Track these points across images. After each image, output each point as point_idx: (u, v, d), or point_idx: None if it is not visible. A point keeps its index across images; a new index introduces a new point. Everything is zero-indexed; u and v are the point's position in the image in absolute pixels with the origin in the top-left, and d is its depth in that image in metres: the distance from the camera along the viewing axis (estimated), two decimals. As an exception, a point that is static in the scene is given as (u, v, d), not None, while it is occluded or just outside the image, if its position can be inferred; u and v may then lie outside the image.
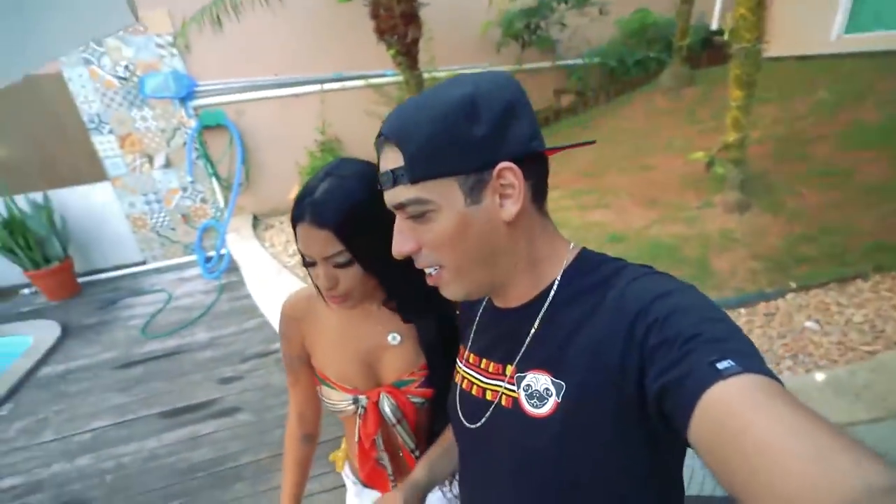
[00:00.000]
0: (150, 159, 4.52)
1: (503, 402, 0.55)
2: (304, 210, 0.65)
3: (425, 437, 0.83)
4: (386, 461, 0.82)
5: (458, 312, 0.73)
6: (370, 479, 0.86)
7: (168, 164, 4.58)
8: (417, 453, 0.81)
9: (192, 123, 4.49)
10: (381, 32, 3.96)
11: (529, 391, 0.52)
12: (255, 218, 4.86)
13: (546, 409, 0.50)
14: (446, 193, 0.48)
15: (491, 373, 0.58)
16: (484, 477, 0.61)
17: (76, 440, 2.40)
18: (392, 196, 0.51)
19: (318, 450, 0.98)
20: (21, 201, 4.09)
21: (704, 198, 3.08)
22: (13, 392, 2.87)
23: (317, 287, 0.73)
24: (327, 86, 4.76)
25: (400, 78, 4.31)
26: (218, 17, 3.92)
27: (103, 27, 0.83)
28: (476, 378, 0.61)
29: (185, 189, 4.71)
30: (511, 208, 0.49)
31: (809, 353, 1.96)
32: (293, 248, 3.96)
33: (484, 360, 0.60)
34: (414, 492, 0.72)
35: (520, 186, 0.48)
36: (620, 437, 0.47)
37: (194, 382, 2.76)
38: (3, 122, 4.15)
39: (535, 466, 0.52)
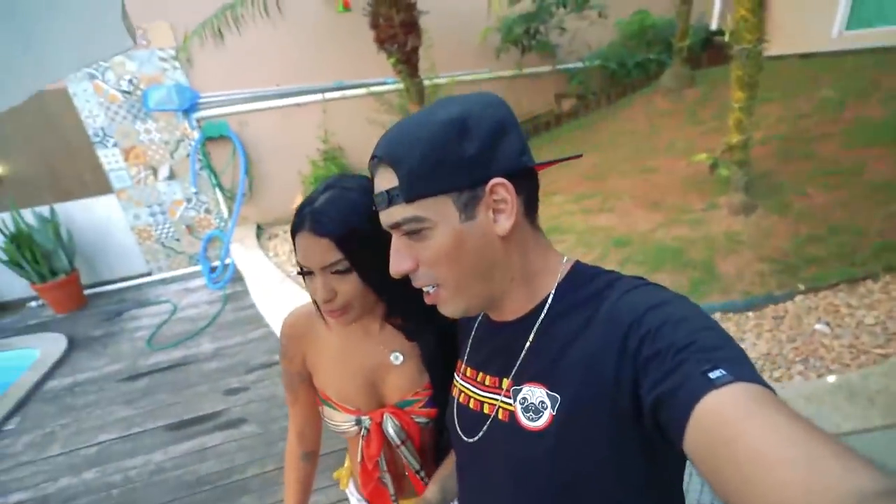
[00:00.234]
0: (155, 171, 4.56)
1: (500, 416, 0.56)
2: (304, 219, 0.65)
3: (431, 457, 0.82)
4: (388, 481, 0.80)
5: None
6: (373, 499, 0.85)
7: (172, 176, 4.61)
8: (423, 474, 0.80)
9: (196, 135, 4.53)
10: (381, 41, 3.98)
11: (525, 404, 0.53)
12: (259, 228, 4.88)
13: (542, 422, 0.51)
14: (441, 211, 0.49)
15: (487, 386, 0.59)
16: (482, 490, 0.61)
17: (83, 454, 2.40)
18: (388, 216, 0.52)
19: (322, 462, 0.97)
20: (28, 215, 4.13)
21: (709, 200, 3.05)
22: (21, 405, 2.88)
23: (315, 302, 0.71)
24: (329, 95, 4.78)
25: (401, 86, 4.32)
26: (219, 29, 3.97)
27: (102, 51, 0.84)
28: (473, 391, 0.61)
29: (189, 200, 4.74)
30: (505, 223, 0.50)
31: (820, 357, 1.92)
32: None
33: (480, 374, 0.61)
34: None
35: (512, 201, 0.50)
36: (616, 448, 0.47)
37: (200, 394, 2.76)
38: (10, 138, 4.20)
39: (532, 479, 0.52)
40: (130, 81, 4.23)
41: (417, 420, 0.77)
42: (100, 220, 4.61)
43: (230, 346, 3.26)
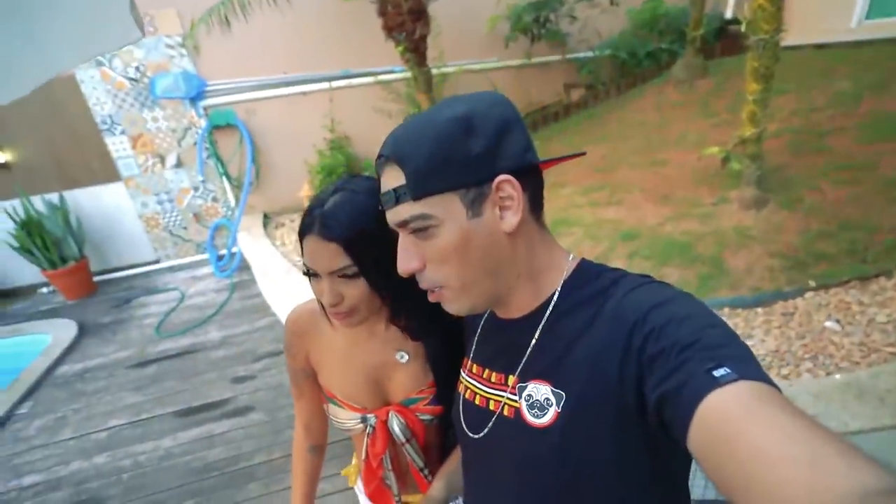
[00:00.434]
0: (162, 159, 4.57)
1: (505, 412, 0.56)
2: (314, 221, 0.64)
3: (436, 455, 0.82)
4: (392, 480, 0.81)
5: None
6: (374, 497, 0.85)
7: (179, 164, 4.62)
8: (427, 471, 0.80)
9: (203, 123, 4.53)
10: (388, 29, 3.93)
11: (531, 401, 0.53)
12: (266, 216, 4.89)
13: (547, 419, 0.51)
14: (448, 208, 0.49)
15: (493, 383, 0.60)
16: (487, 486, 0.62)
17: (94, 438, 2.45)
18: (395, 214, 0.52)
19: (329, 451, 0.98)
20: (37, 202, 4.17)
21: (719, 194, 3.01)
22: (33, 390, 2.94)
23: (321, 304, 0.71)
24: (336, 83, 4.75)
25: (408, 74, 4.28)
26: (226, 17, 3.93)
27: (109, 43, 0.83)
28: (479, 388, 0.62)
29: (196, 188, 4.76)
30: (511, 219, 0.51)
31: (830, 355, 1.90)
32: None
33: (486, 371, 0.61)
34: None
35: (518, 198, 0.50)
36: (621, 445, 0.47)
37: (208, 381, 2.80)
38: (19, 125, 4.22)
39: (537, 476, 0.53)
40: (137, 69, 4.22)
41: (422, 418, 0.77)
42: (108, 207, 4.64)
43: (237, 334, 3.29)
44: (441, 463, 0.81)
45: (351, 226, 0.63)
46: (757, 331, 2.13)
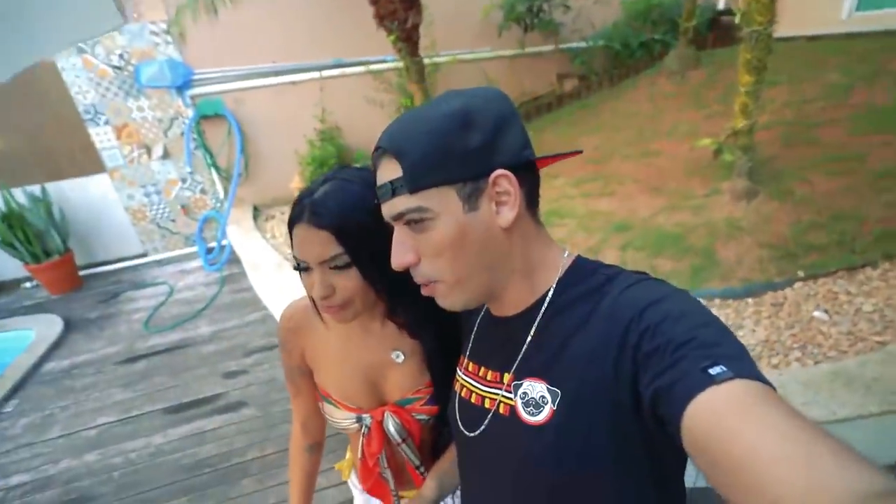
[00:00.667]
0: (148, 150, 4.47)
1: (501, 410, 0.56)
2: (303, 210, 0.62)
3: (431, 454, 0.81)
4: (389, 476, 0.80)
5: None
6: (373, 493, 0.85)
7: (166, 155, 4.52)
8: (423, 469, 0.80)
9: (190, 113, 4.43)
10: (380, 18, 3.85)
11: (526, 399, 0.53)
12: (256, 209, 4.82)
13: (542, 417, 0.51)
14: (444, 202, 0.49)
15: (489, 381, 0.59)
16: (483, 484, 0.62)
17: (83, 436, 2.41)
18: (390, 207, 0.51)
19: (325, 445, 0.96)
20: (19, 194, 4.05)
21: (711, 185, 3.03)
22: (18, 387, 2.88)
23: (311, 299, 0.68)
24: (326, 73, 4.67)
25: (400, 64, 4.21)
26: (212, 2, 3.82)
27: (91, 29, 0.79)
28: (474, 386, 0.62)
29: (184, 180, 4.67)
30: (507, 214, 0.50)
31: (818, 344, 1.93)
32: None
33: (482, 368, 0.61)
34: None
35: (515, 193, 0.50)
36: (616, 443, 0.47)
37: (198, 377, 2.77)
38: (-3, 115, 4.09)
39: (533, 473, 0.53)
40: (121, 56, 4.10)
41: (418, 417, 0.76)
42: (93, 199, 4.53)
43: (228, 328, 3.26)
44: (436, 460, 0.80)
45: (342, 213, 0.61)
46: (747, 321, 2.15)
